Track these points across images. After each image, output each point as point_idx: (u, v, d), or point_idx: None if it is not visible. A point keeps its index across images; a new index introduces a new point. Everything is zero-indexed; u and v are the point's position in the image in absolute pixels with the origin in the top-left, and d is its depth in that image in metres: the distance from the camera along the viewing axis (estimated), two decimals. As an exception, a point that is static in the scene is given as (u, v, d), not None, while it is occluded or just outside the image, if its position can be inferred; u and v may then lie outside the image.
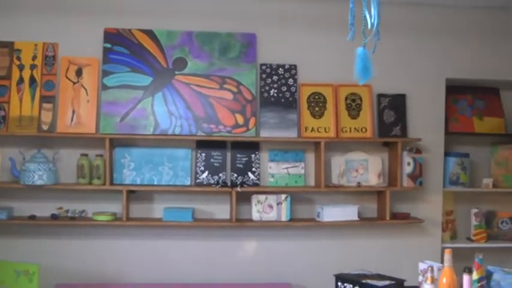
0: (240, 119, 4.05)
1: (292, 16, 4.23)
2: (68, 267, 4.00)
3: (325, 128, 4.16)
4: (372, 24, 2.12)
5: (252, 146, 4.16)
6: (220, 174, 4.10)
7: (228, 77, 4.07)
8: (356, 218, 4.16)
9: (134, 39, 4.03)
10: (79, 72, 3.98)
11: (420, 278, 3.06)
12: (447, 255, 2.70)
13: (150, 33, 4.05)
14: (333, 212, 4.09)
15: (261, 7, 4.20)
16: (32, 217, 3.91)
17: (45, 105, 3.92)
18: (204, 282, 4.09)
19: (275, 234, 4.20)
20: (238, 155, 4.14)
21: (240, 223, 4.02)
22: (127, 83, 3.99)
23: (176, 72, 4.04)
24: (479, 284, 2.81)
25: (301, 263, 4.22)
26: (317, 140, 4.10)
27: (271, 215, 4.05)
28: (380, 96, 4.30)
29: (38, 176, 3.78)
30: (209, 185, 4.06)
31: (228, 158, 4.14)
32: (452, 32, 4.41)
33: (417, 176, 4.23)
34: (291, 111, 4.15)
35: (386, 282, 3.10)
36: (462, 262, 3.03)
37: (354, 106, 4.23)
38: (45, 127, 3.89)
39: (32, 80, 3.93)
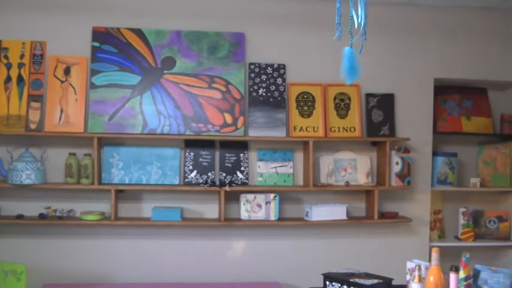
0: (229, 119, 4.05)
1: (281, 16, 4.24)
2: (55, 267, 3.98)
3: (313, 128, 4.16)
4: (359, 24, 2.12)
5: (241, 146, 4.16)
6: (209, 174, 4.09)
7: (217, 76, 4.07)
8: (344, 217, 4.17)
9: (123, 38, 4.02)
10: (67, 71, 3.96)
11: (408, 276, 3.08)
12: (434, 254, 2.72)
13: (138, 32, 4.04)
14: (322, 212, 4.10)
15: (249, 6, 4.20)
16: (20, 216, 3.89)
17: (33, 104, 3.90)
18: (193, 281, 4.09)
19: (264, 233, 4.21)
20: (226, 155, 4.14)
21: (229, 222, 4.01)
22: (115, 82, 3.98)
23: (165, 72, 4.03)
24: (465, 283, 2.83)
25: (289, 262, 4.23)
26: (306, 139, 4.10)
27: (260, 215, 4.05)
28: (368, 95, 4.32)
29: (25, 175, 3.76)
30: (198, 184, 4.06)
31: (216, 158, 4.14)
32: (441, 32, 4.43)
33: (405, 175, 4.25)
34: (280, 110, 4.15)
35: (374, 281, 3.12)
36: (450, 261, 3.05)
37: (342, 106, 4.25)
38: (33, 126, 3.87)
39: (20, 78, 3.91)
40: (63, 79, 3.95)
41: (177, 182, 4.05)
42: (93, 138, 3.88)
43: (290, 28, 4.24)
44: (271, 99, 4.16)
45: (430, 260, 2.79)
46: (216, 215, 4.12)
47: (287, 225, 4.16)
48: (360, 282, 3.07)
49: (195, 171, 4.08)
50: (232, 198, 4.07)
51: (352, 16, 2.10)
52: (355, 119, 4.24)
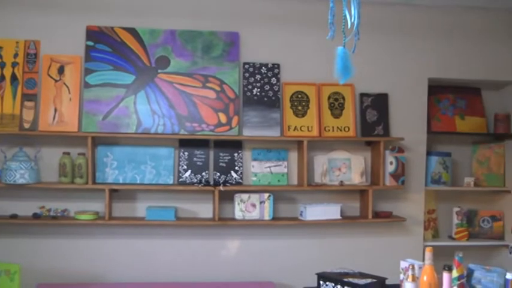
0: (223, 118, 4.05)
1: (276, 15, 4.23)
2: (49, 266, 3.97)
3: (308, 127, 4.17)
4: (352, 24, 2.12)
5: (235, 145, 4.16)
6: (203, 173, 4.09)
7: (211, 75, 4.07)
8: (339, 216, 4.17)
9: (117, 37, 4.01)
10: (61, 70, 3.96)
11: (401, 276, 3.08)
12: (428, 254, 2.72)
13: (132, 32, 4.03)
14: (316, 211, 4.10)
15: (244, 6, 4.20)
16: (14, 216, 3.88)
17: (26, 103, 3.89)
18: (187, 281, 4.09)
19: (258, 233, 4.21)
20: (221, 154, 4.14)
21: (223, 222, 4.01)
22: (109, 81, 3.97)
23: (159, 71, 4.03)
24: (459, 282, 2.84)
25: (284, 262, 4.23)
26: (300, 139, 4.11)
27: (254, 214, 4.05)
28: (363, 95, 4.32)
29: (19, 174, 3.75)
30: (192, 183, 4.06)
31: (210, 157, 4.14)
32: (435, 32, 4.44)
33: (399, 175, 4.26)
34: (274, 110, 4.16)
35: (368, 281, 3.12)
36: (444, 260, 3.06)
37: (336, 105, 4.25)
38: (26, 125, 3.86)
39: (14, 77, 3.89)
40: (57, 78, 3.95)
41: (171, 182, 4.05)
42: (87, 137, 3.87)
43: (284, 28, 4.24)
44: (265, 99, 4.16)
45: (423, 260, 2.80)
46: (210, 215, 4.12)
47: (281, 224, 4.16)
48: (353, 282, 3.07)
49: (189, 171, 4.08)
50: (227, 197, 4.07)
51: (345, 16, 2.10)
52: (349, 118, 4.24)
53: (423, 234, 4.45)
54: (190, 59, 4.06)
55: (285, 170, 4.21)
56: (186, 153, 4.09)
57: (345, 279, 3.11)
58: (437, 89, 4.61)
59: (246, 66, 4.17)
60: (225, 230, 4.17)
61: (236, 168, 4.14)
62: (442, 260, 3.05)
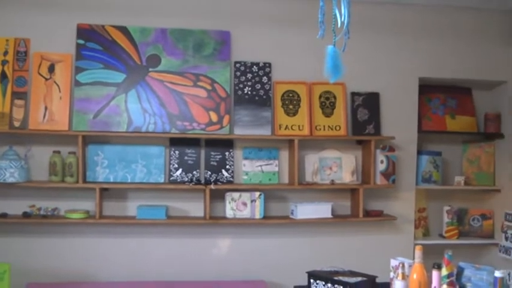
0: (214, 117, 4.05)
1: (267, 14, 4.24)
2: (40, 265, 3.95)
3: (299, 126, 4.17)
4: (342, 23, 2.13)
5: (226, 144, 4.15)
6: (194, 172, 4.09)
7: (202, 74, 4.06)
8: (329, 215, 4.18)
9: (107, 35, 4.00)
10: (51, 69, 3.94)
11: (392, 274, 3.09)
12: (418, 252, 2.73)
13: (123, 30, 4.02)
14: (307, 210, 4.11)
15: (235, 5, 4.20)
16: (4, 215, 3.85)
17: (16, 101, 3.87)
18: (178, 280, 4.08)
19: (249, 231, 4.21)
20: (212, 153, 4.13)
21: (214, 221, 4.01)
22: (100, 79, 3.96)
23: (150, 69, 4.02)
24: (448, 280, 2.85)
25: (275, 260, 4.23)
26: (291, 137, 4.11)
27: (245, 213, 4.05)
28: (354, 94, 4.33)
29: (9, 173, 3.74)
30: (183, 182, 4.05)
31: (201, 156, 4.14)
32: (426, 32, 4.45)
33: (390, 173, 4.27)
34: (265, 109, 4.16)
35: (359, 279, 3.13)
36: (434, 258, 3.07)
37: (327, 104, 4.26)
38: (16, 124, 3.85)
39: (4, 75, 3.88)
40: (48, 76, 3.93)
41: (162, 180, 4.04)
42: (78, 136, 3.86)
43: (276, 27, 4.24)
44: (256, 98, 4.16)
45: (414, 258, 2.81)
46: (201, 214, 4.11)
47: (272, 223, 4.17)
48: (344, 280, 3.07)
49: (180, 170, 4.08)
50: (218, 196, 4.07)
51: (335, 15, 2.11)
52: (340, 117, 4.25)
53: (414, 233, 4.46)
54: (182, 57, 4.06)
55: (276, 169, 4.21)
56: (177, 152, 4.09)
57: (335, 278, 3.12)
58: (428, 89, 4.63)
59: (237, 65, 4.16)
60: (216, 228, 4.17)
61: (227, 167, 4.14)
62: (433, 258, 3.06)
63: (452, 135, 4.68)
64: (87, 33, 3.98)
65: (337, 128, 4.23)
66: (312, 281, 3.23)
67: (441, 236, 4.59)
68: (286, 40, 4.25)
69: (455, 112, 4.67)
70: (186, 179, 4.07)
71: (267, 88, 4.18)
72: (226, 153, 4.14)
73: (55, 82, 3.93)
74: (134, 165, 4.02)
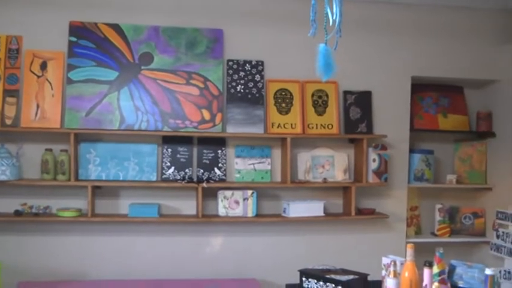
0: (207, 115, 4.04)
1: (260, 12, 4.23)
2: (31, 264, 3.94)
3: (291, 124, 4.17)
4: (334, 21, 2.13)
5: (219, 142, 4.15)
6: (187, 170, 4.09)
7: (195, 72, 4.06)
8: (322, 213, 4.18)
9: (100, 33, 3.99)
10: (43, 66, 3.93)
11: (383, 272, 3.10)
12: (409, 250, 2.74)
13: (116, 28, 4.01)
14: (299, 208, 4.11)
15: (228, 3, 4.19)
16: (-5, 213, 3.85)
17: (8, 99, 3.86)
18: (170, 278, 4.08)
19: (241, 230, 4.21)
20: (204, 151, 4.13)
21: (206, 219, 4.01)
22: (92, 77, 3.95)
23: (142, 67, 4.01)
24: (439, 278, 2.86)
25: (267, 259, 4.24)
26: (283, 136, 4.11)
27: (238, 211, 4.06)
28: (346, 93, 4.34)
29: (1, 171, 3.72)
30: (175, 180, 4.05)
31: (194, 154, 4.13)
32: (418, 31, 4.46)
33: (382, 172, 4.28)
34: (258, 107, 4.16)
35: (350, 277, 3.13)
36: (426, 256, 3.08)
37: (320, 103, 4.26)
38: (8, 121, 3.83)
39: (-5, 73, 3.87)
40: (40, 74, 3.92)
41: (154, 179, 4.04)
42: (70, 134, 3.85)
43: (269, 25, 4.24)
44: (249, 96, 4.16)
45: (406, 256, 2.81)
46: (193, 212, 4.11)
47: (265, 221, 4.17)
48: (336, 278, 3.08)
49: (172, 168, 4.07)
50: (210, 194, 4.07)
51: (326, 13, 2.11)
52: (332, 116, 4.26)
53: (406, 231, 4.48)
54: (174, 55, 4.05)
55: (269, 167, 4.22)
56: (170, 150, 4.09)
57: (327, 276, 3.12)
58: (420, 87, 4.64)
59: (230, 63, 4.16)
60: (209, 226, 4.17)
61: (220, 165, 4.13)
62: (425, 256, 3.07)
63: (444, 134, 4.70)
64: (79, 31, 3.97)
65: (330, 126, 4.24)
66: (304, 279, 3.23)
67: (433, 234, 4.61)
68: (279, 38, 4.25)
69: (447, 111, 4.69)
70: (179, 177, 4.06)
71: (260, 86, 4.18)
72: (219, 151, 4.14)
73: (47, 80, 3.92)
74: (126, 163, 4.02)
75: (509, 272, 4.22)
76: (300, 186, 4.19)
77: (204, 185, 3.96)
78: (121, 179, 4.00)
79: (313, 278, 3.18)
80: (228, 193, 4.05)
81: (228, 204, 4.05)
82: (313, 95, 4.26)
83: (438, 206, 4.57)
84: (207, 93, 4.06)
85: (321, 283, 3.13)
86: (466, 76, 4.56)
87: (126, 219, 3.95)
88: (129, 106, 3.96)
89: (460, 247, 4.65)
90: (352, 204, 4.19)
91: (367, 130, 4.32)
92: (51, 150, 3.91)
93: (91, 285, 3.91)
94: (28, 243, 3.96)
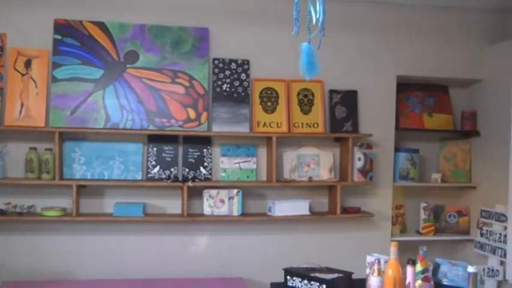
0: (192, 114, 4.04)
1: (246, 11, 4.23)
2: (16, 264, 3.91)
3: (277, 123, 4.18)
4: (317, 20, 2.13)
5: (204, 141, 4.15)
6: (172, 169, 4.08)
7: (180, 71, 4.05)
8: (307, 212, 4.19)
9: (85, 31, 3.96)
10: (28, 64, 3.90)
11: (368, 270, 3.11)
12: (393, 248, 2.75)
13: (101, 26, 3.99)
14: (285, 207, 4.12)
15: (214, 2, 4.19)
16: (-22, 212, 3.82)
17: (-8, 97, 3.83)
18: (156, 277, 4.07)
19: (227, 229, 4.21)
20: (190, 150, 4.12)
21: (192, 218, 4.01)
22: (77, 75, 3.93)
23: (128, 66, 3.99)
24: (423, 276, 2.88)
25: (253, 257, 4.24)
26: (269, 135, 4.11)
27: (223, 210, 4.05)
28: (332, 92, 4.35)
29: (-16, 170, 3.70)
30: (160, 179, 4.04)
31: (179, 153, 4.13)
32: (404, 30, 4.49)
33: (368, 170, 4.30)
34: (243, 106, 4.16)
35: (335, 275, 3.14)
36: (411, 255, 3.11)
37: (306, 101, 4.27)
38: (-8, 120, 3.81)
39: (-22, 71, 3.84)
40: (24, 72, 3.89)
41: (139, 178, 4.02)
42: (55, 132, 3.82)
43: (254, 24, 4.24)
44: (235, 95, 4.16)
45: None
46: (179, 211, 4.10)
47: (250, 220, 4.17)
48: (320, 277, 3.09)
49: (158, 167, 4.06)
50: (195, 193, 4.07)
51: (310, 11, 2.11)
52: (318, 115, 4.27)
53: (391, 230, 4.50)
54: (160, 54, 4.04)
55: (254, 166, 4.22)
56: (155, 148, 4.07)
57: (312, 274, 3.13)
58: (405, 87, 4.66)
59: (216, 62, 4.16)
60: (194, 226, 4.16)
61: (205, 164, 4.13)
62: (410, 254, 3.10)
63: (430, 133, 4.72)
64: (64, 29, 3.95)
65: (315, 125, 4.25)
66: (288, 277, 3.24)
67: (418, 233, 4.64)
68: (265, 37, 4.25)
69: (432, 110, 4.71)
70: (164, 176, 4.05)
71: (246, 85, 4.18)
72: (204, 150, 4.14)
73: (31, 78, 3.89)
74: (111, 162, 4.00)
75: (492, 270, 4.26)
76: (285, 185, 4.20)
77: (190, 184, 3.95)
78: (106, 178, 3.98)
79: (297, 276, 3.19)
80: (214, 192, 4.05)
81: (214, 203, 4.05)
82: (298, 94, 4.26)
83: (423, 204, 4.60)
84: (192, 91, 4.05)
85: (306, 282, 3.14)
86: (451, 76, 4.59)
87: (111, 218, 3.93)
88: (114, 105, 3.94)
89: (444, 245, 4.69)
90: (337, 203, 4.20)
91: (353, 129, 4.34)
92: (35, 149, 3.88)
93: (76, 285, 3.89)
94: (12, 242, 3.93)
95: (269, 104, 4.19)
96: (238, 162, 4.18)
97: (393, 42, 4.47)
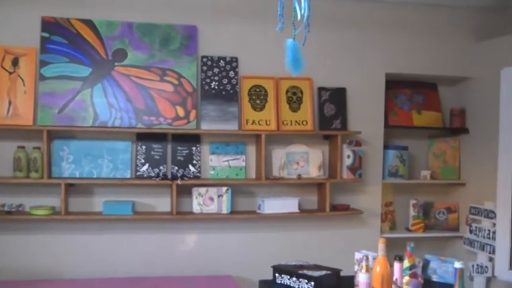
0: (181, 112, 4.03)
1: (234, 9, 4.23)
2: (4, 263, 3.89)
3: (266, 121, 4.18)
4: (302, 16, 2.13)
5: (193, 139, 4.14)
6: (161, 167, 4.07)
7: (169, 69, 4.04)
8: (296, 210, 4.20)
9: (73, 29, 3.95)
10: (15, 62, 3.88)
11: (356, 267, 3.12)
12: (381, 245, 2.76)
13: (89, 23, 3.98)
14: (274, 204, 4.12)
15: (202, -1, 4.19)
16: (-34, 211, 3.80)
17: (-21, 96, 3.81)
18: (145, 275, 4.06)
19: (216, 226, 4.21)
20: (179, 148, 4.12)
21: (181, 216, 4.00)
22: (65, 73, 3.91)
23: (116, 64, 3.98)
24: (410, 272, 2.88)
25: (242, 255, 4.24)
26: (258, 132, 4.11)
27: (212, 208, 4.05)
28: (321, 89, 4.35)
29: (-28, 169, 3.68)
30: (149, 177, 4.03)
31: (168, 151, 4.12)
32: (393, 28, 4.50)
33: (357, 168, 4.31)
34: (232, 103, 4.15)
35: (323, 273, 3.16)
36: (401, 252, 3.10)
37: (294, 99, 4.27)
38: (-21, 119, 3.79)
39: (-35, 70, 3.82)
40: (11, 70, 3.87)
41: (128, 176, 4.01)
42: (43, 131, 3.80)
43: (243, 21, 4.23)
44: (223, 93, 4.15)
45: (379, 251, 2.84)
46: (168, 209, 4.10)
47: (239, 218, 4.17)
48: (308, 274, 3.10)
49: (146, 165, 4.06)
50: (185, 191, 4.06)
51: (295, 8, 2.11)
52: (307, 112, 4.27)
53: (380, 227, 4.51)
54: (148, 52, 4.03)
55: (243, 164, 4.22)
56: (144, 147, 4.07)
57: (300, 272, 3.14)
58: (394, 84, 4.67)
59: (204, 59, 4.15)
60: (183, 224, 4.16)
61: (194, 162, 4.13)
62: (399, 251, 3.09)
63: (419, 130, 4.73)
64: (51, 27, 3.93)
65: (304, 123, 4.25)
66: (277, 275, 3.25)
67: (407, 230, 4.65)
68: (253, 35, 4.25)
69: (421, 107, 4.73)
70: (153, 174, 4.05)
71: (234, 83, 4.18)
72: (193, 148, 4.13)
73: (19, 76, 3.88)
74: (100, 161, 3.99)
75: (481, 266, 4.27)
76: (274, 183, 4.20)
77: (179, 182, 3.95)
78: (95, 176, 3.97)
79: (286, 274, 3.20)
80: (203, 190, 4.04)
81: (203, 201, 4.04)
82: (287, 92, 4.26)
83: (412, 201, 4.61)
84: (181, 89, 4.05)
85: (294, 279, 3.14)
86: (440, 73, 4.61)
87: (100, 216, 3.92)
88: (103, 103, 3.93)
89: (434, 242, 4.71)
90: (326, 201, 4.20)
91: (342, 126, 4.34)
92: (23, 147, 3.86)
93: (66, 284, 3.87)
94: (1, 242, 3.91)
95: (258, 101, 4.19)
96: (227, 160, 4.18)
97: (382, 40, 4.47)
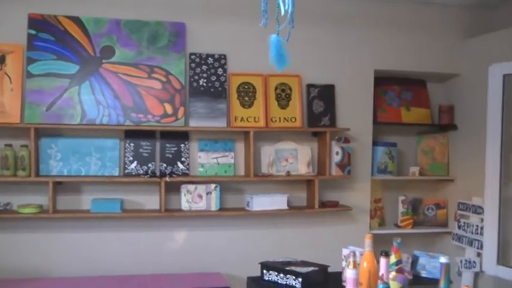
0: (169, 109, 4.02)
1: (222, 6, 4.22)
2: (-8, 262, 3.89)
3: (254, 118, 4.18)
4: (286, 12, 2.13)
5: (181, 136, 4.14)
6: (149, 165, 4.06)
7: (157, 66, 4.03)
8: (285, 206, 4.20)
9: (60, 26, 3.93)
10: (2, 59, 3.85)
11: (344, 263, 3.13)
12: (367, 241, 2.76)
13: (76, 20, 3.95)
14: (263, 201, 4.12)
15: (190, -4, 4.18)
16: (-47, 210, 3.78)
17: (-35, 94, 3.79)
18: (134, 273, 4.06)
19: (205, 224, 4.21)
20: (167, 145, 4.11)
21: (170, 213, 4.00)
22: (53, 71, 3.89)
23: (104, 61, 3.97)
24: (396, 267, 2.89)
25: (231, 252, 4.24)
26: (246, 129, 4.11)
27: (201, 205, 4.05)
28: (309, 86, 4.35)
29: (-41, 167, 3.66)
30: (138, 175, 4.02)
31: (157, 148, 4.11)
32: (381, 25, 4.50)
33: (346, 164, 4.31)
34: (221, 100, 4.15)
35: (310, 269, 3.16)
36: (390, 248, 3.11)
37: (283, 96, 4.27)
38: (-35, 117, 3.77)
39: (-48, 67, 3.79)
40: (-2, 68, 3.86)
41: (116, 173, 4.00)
42: (30, 128, 3.79)
43: (231, 18, 4.22)
44: (212, 90, 4.15)
45: (367, 247, 2.84)
46: (156, 206, 4.09)
47: (228, 215, 4.17)
48: (296, 270, 3.10)
49: (135, 162, 4.04)
50: (173, 189, 4.05)
51: (278, 3, 2.11)
52: (296, 109, 4.27)
53: (369, 223, 4.52)
54: (136, 49, 4.02)
55: (232, 161, 4.21)
56: (132, 144, 4.05)
57: (288, 268, 3.14)
58: (383, 81, 4.68)
59: (192, 56, 4.14)
60: (172, 221, 4.15)
61: (183, 159, 4.12)
62: (388, 248, 3.09)
63: (407, 127, 4.74)
64: (39, 24, 3.90)
65: (293, 119, 4.25)
66: (264, 271, 3.25)
67: (396, 226, 4.66)
68: (242, 32, 4.24)
69: (410, 104, 4.74)
70: (141, 172, 4.04)
71: (223, 80, 4.17)
72: (182, 145, 4.12)
73: (6, 73, 3.85)
74: (88, 158, 3.98)
75: (469, 262, 4.29)
76: (263, 180, 4.20)
77: (167, 179, 3.94)
78: (83, 174, 3.95)
79: (273, 270, 3.20)
80: (191, 187, 4.04)
81: (191, 199, 4.04)
82: (276, 89, 4.26)
83: (401, 197, 4.62)
84: (169, 87, 4.04)
85: (282, 275, 3.15)
86: (429, 70, 4.62)
87: (88, 214, 3.91)
88: (90, 100, 3.92)
89: (423, 238, 4.73)
90: (315, 197, 4.21)
91: (330, 123, 4.35)
92: (11, 145, 3.84)
93: (54, 283, 3.85)
94: (-12, 240, 3.91)
95: (246, 98, 4.19)
96: (216, 157, 4.18)
97: (371, 37, 4.48)
